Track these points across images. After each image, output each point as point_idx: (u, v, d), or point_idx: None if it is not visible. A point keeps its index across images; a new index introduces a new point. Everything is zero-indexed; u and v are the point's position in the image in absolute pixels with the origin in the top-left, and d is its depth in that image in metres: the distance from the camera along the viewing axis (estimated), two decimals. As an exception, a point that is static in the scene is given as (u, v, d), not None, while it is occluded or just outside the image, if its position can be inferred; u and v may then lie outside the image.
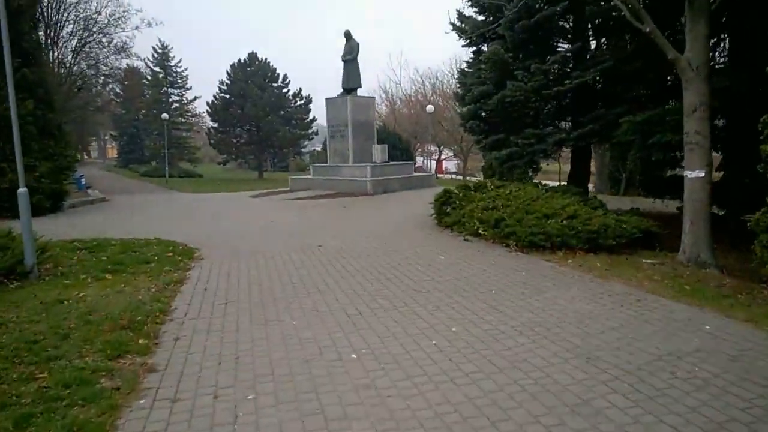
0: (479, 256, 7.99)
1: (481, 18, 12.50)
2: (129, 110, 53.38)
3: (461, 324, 5.09)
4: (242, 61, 43.54)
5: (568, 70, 10.57)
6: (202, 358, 4.33)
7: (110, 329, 4.86)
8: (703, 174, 7.29)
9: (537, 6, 9.75)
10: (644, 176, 12.08)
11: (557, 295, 6.05)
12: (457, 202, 10.21)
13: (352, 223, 11.69)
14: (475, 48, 12.60)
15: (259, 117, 41.75)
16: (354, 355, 4.35)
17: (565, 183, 29.20)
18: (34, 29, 15.74)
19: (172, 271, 7.24)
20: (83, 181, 25.23)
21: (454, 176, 51.81)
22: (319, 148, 78.52)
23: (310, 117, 44.73)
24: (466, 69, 12.82)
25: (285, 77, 44.20)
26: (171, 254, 8.27)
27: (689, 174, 7.44)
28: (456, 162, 56.37)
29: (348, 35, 20.60)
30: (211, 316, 5.41)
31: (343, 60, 20.70)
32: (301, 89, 44.30)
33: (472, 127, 11.88)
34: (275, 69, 44.09)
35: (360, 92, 21.26)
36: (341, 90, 20.94)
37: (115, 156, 71.51)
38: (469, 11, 12.96)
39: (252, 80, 42.27)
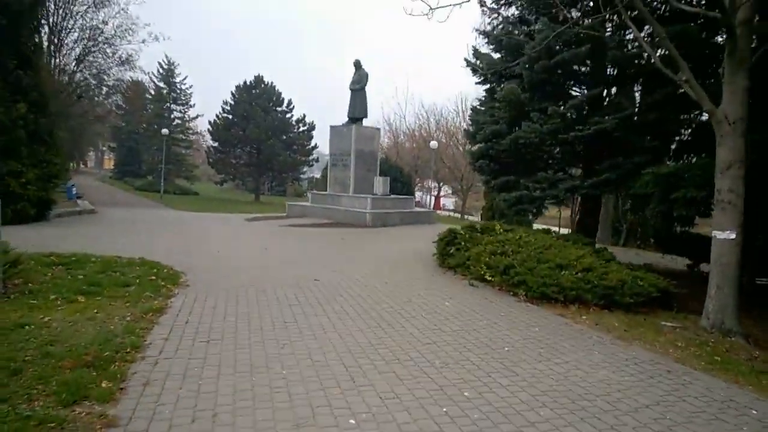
0: (487, 305, 7.39)
1: (497, 56, 12.19)
2: (129, 123, 53.12)
3: (474, 388, 4.46)
4: (248, 83, 43.53)
5: (586, 114, 10.18)
6: (173, 412, 3.67)
7: (71, 365, 4.21)
8: (734, 236, 6.79)
9: (557, 47, 9.40)
10: (660, 231, 11.60)
11: (578, 359, 5.44)
12: (463, 243, 9.66)
13: (351, 256, 11.09)
14: (488, 86, 12.26)
15: (260, 139, 41.48)
16: (353, 421, 3.71)
17: (561, 228, 28.99)
18: (35, 32, 15.34)
19: (153, 298, 6.58)
20: (74, 190, 24.58)
21: (451, 213, 51.49)
22: (317, 175, 78.70)
23: (312, 144, 44.55)
24: (479, 107, 12.46)
25: (289, 102, 44.21)
26: (154, 278, 7.62)
27: (718, 235, 6.93)
28: (453, 199, 56.16)
29: (357, 64, 20.39)
30: (189, 357, 4.75)
31: (350, 89, 20.45)
32: (304, 115, 44.30)
33: (481, 166, 11.41)
34: (280, 93, 44.10)
35: (365, 122, 20.95)
36: (346, 119, 20.61)
37: (112, 167, 71.11)
38: (485, 48, 12.69)
39: (256, 102, 42.16)
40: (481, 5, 12.09)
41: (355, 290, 7.79)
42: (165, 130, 37.84)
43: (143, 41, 28.44)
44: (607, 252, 9.81)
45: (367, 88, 20.48)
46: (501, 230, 9.64)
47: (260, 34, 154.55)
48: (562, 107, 9.68)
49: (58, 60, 26.07)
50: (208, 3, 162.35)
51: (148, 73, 28.82)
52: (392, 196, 20.41)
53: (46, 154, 15.16)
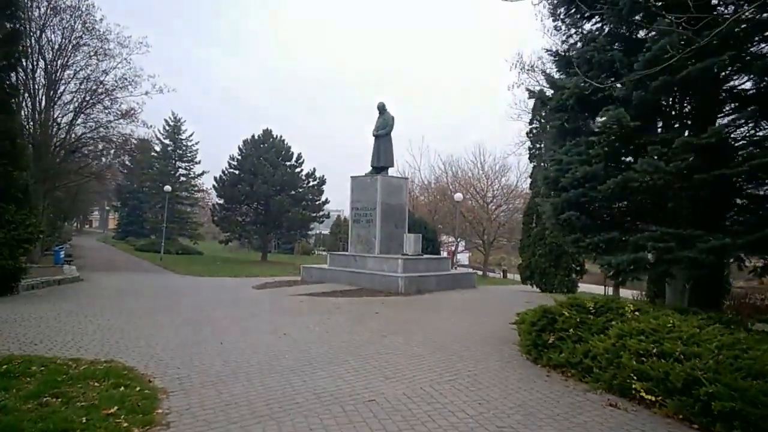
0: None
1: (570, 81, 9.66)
2: (133, 181, 51.30)
3: None
4: (256, 137, 41.69)
5: (736, 144, 7.57)
6: None
7: None
8: None
9: (687, 56, 6.83)
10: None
11: None
12: (571, 330, 6.76)
13: (398, 343, 8.16)
14: (564, 116, 9.65)
15: (268, 195, 39.16)
16: None
17: (607, 288, 25.74)
18: (10, 70, 13.10)
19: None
20: (62, 254, 21.93)
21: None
22: (326, 232, 76.34)
23: (323, 199, 42.15)
24: (554, 147, 9.83)
25: (299, 156, 42.17)
26: (117, 407, 4.73)
27: None
28: (468, 254, 53.17)
29: (382, 108, 18.12)
30: None
31: (374, 135, 18.08)
32: (314, 169, 42.13)
33: (568, 221, 8.66)
34: (290, 147, 42.15)
35: (391, 171, 18.47)
36: (369, 168, 18.14)
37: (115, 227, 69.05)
38: (551, 69, 10.26)
39: (264, 157, 40.13)
40: (555, 19, 9.73)
41: (437, 420, 4.84)
42: (167, 187, 35.62)
43: (146, 93, 26.40)
44: None
45: (393, 134, 18.14)
46: (631, 311, 6.75)
47: (272, 93, 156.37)
48: (702, 138, 6.98)
49: (53, 112, 24.02)
50: (216, 61, 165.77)
51: (152, 126, 26.83)
52: (425, 255, 17.60)
53: (17, 214, 12.59)
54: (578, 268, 23.46)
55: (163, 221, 36.72)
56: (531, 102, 25.24)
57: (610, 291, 29.22)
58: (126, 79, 24.78)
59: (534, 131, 25.11)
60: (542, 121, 25.06)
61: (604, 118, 8.02)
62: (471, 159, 40.78)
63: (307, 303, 12.68)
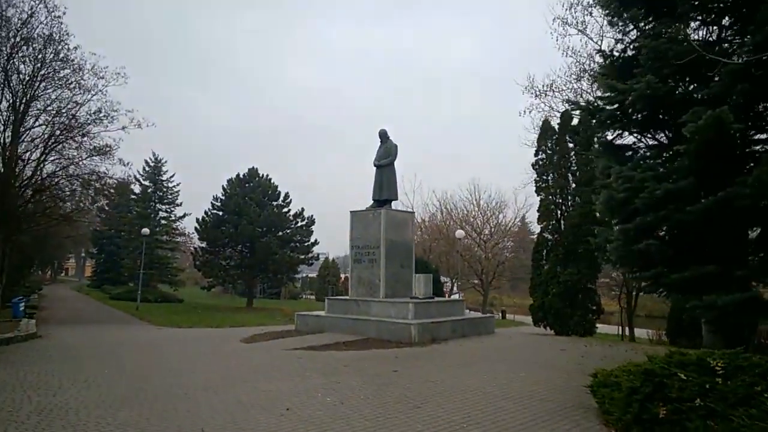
0: None
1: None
2: (111, 225, 48.73)
3: None
4: (241, 176, 39.80)
5: None
6: None
7: None
8: None
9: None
10: None
11: None
12: (698, 401, 4.81)
13: (443, 419, 6.09)
14: (619, 126, 7.97)
15: (254, 236, 36.98)
16: None
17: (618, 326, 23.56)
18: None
19: None
20: (22, 306, 19.42)
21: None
22: (313, 275, 73.62)
23: (312, 240, 40.04)
24: (610, 164, 8.05)
25: (286, 195, 40.26)
26: None
27: None
28: (459, 294, 50.91)
29: (384, 135, 16.44)
30: None
31: (375, 165, 16.31)
32: (303, 209, 40.20)
33: (645, 251, 6.82)
34: (276, 186, 40.28)
35: (394, 205, 16.63)
36: (371, 202, 16.28)
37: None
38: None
39: (250, 197, 38.15)
40: (610, 14, 8.18)
41: None
42: (145, 230, 33.26)
43: (123, 128, 24.43)
44: None
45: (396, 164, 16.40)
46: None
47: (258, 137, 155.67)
48: None
49: (19, 148, 21.93)
50: (200, 103, 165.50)
51: (128, 164, 24.46)
52: (436, 299, 15.57)
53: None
54: (594, 308, 21.58)
55: (141, 267, 34.15)
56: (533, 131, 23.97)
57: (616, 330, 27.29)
58: (101, 111, 22.88)
59: (540, 162, 23.62)
60: (549, 152, 23.66)
61: (694, 123, 6.28)
62: (466, 196, 39.06)
63: (308, 360, 10.49)
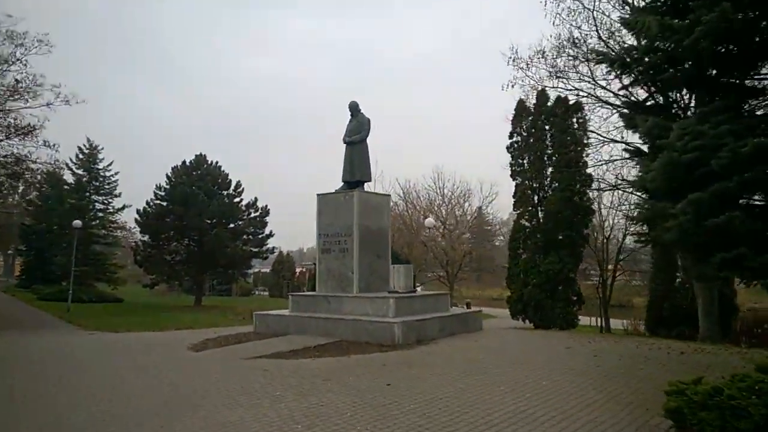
0: None
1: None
2: (41, 219, 44.31)
3: None
4: (187, 163, 36.63)
5: None
6: None
7: None
8: None
9: None
10: None
11: None
12: None
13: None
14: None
15: (203, 229, 34.05)
16: None
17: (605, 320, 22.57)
18: None
19: None
20: None
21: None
22: (266, 270, 70.48)
23: (266, 232, 37.39)
24: (663, 123, 6.33)
25: (238, 184, 37.39)
26: None
27: None
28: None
29: (354, 107, 14.40)
30: None
31: (345, 142, 14.26)
32: (256, 199, 37.40)
33: (724, 226, 5.11)
34: (227, 174, 37.33)
35: (368, 188, 14.68)
36: (341, 183, 14.26)
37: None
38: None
39: (197, 185, 35.08)
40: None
41: None
42: (77, 222, 29.77)
43: (48, 104, 21.32)
44: None
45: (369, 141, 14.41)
46: None
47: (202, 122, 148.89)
48: None
49: None
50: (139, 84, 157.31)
51: (55, 146, 20.93)
52: (419, 292, 13.74)
53: None
54: (575, 297, 20.38)
55: (72, 264, 30.65)
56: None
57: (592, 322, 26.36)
58: (19, 83, 19.76)
59: (516, 144, 22.17)
60: (524, 134, 22.27)
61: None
62: (429, 184, 37.38)
63: (275, 372, 8.41)
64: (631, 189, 19.72)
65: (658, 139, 6.30)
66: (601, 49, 11.03)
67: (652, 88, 7.23)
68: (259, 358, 9.82)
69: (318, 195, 14.10)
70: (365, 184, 14.23)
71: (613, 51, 9.34)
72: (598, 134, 19.61)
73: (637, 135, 18.30)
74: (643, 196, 9.45)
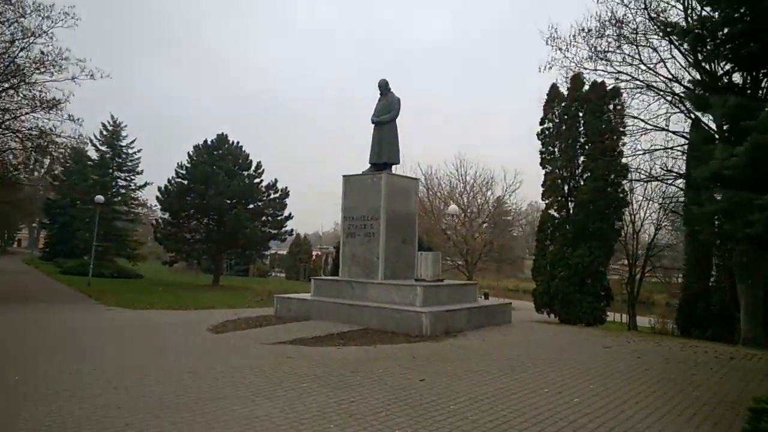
0: None
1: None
2: (66, 193, 44.60)
3: None
4: (209, 142, 36.37)
5: None
6: None
7: None
8: None
9: None
10: None
11: None
12: None
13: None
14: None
15: (222, 208, 33.84)
16: None
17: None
18: None
19: None
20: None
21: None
22: (282, 252, 70.49)
23: (285, 213, 37.08)
24: None
25: (258, 165, 37.04)
26: None
27: None
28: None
29: (384, 87, 13.77)
30: None
31: (374, 122, 13.68)
32: (276, 180, 37.02)
33: None
34: (248, 155, 37.01)
35: (395, 170, 14.11)
36: (368, 165, 13.72)
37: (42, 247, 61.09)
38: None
39: (218, 165, 34.81)
40: None
41: None
42: (99, 197, 29.75)
43: (73, 78, 21.00)
44: None
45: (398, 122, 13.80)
46: None
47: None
48: None
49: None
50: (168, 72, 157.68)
51: (79, 120, 20.63)
52: (446, 282, 13.18)
53: None
54: (603, 293, 19.62)
55: (94, 239, 30.70)
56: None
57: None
58: (46, 57, 19.48)
59: (547, 131, 21.34)
60: (556, 120, 21.39)
61: None
62: (451, 171, 36.57)
63: (300, 361, 7.96)
64: (671, 180, 18.71)
65: (741, 120, 5.58)
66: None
67: (731, 66, 6.51)
68: (281, 344, 9.41)
69: (344, 176, 13.57)
70: (392, 167, 13.66)
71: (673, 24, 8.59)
72: (641, 120, 18.30)
73: (674, 126, 17.28)
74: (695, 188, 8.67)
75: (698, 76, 14.13)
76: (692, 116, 16.21)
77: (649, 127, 16.95)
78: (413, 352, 8.83)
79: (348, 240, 13.27)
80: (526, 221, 51.02)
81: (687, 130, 17.36)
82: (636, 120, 17.08)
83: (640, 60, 16.79)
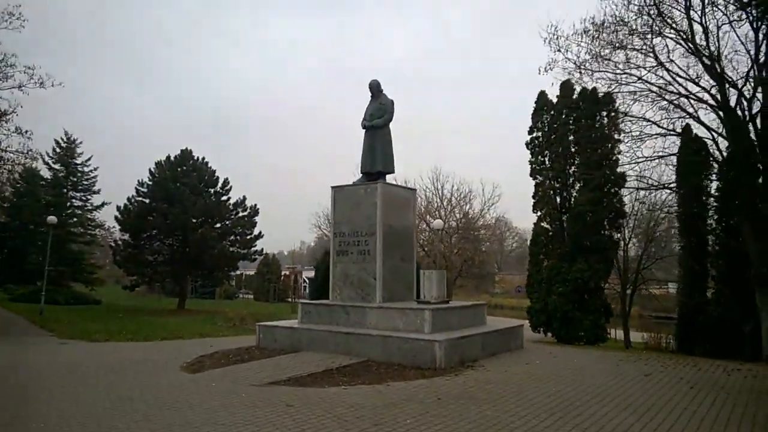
0: None
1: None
2: (14, 217, 41.45)
3: None
4: (172, 158, 34.34)
5: None
6: None
7: None
8: None
9: None
10: None
11: None
12: None
13: None
14: None
15: (188, 228, 31.79)
16: None
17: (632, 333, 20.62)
18: None
19: None
20: None
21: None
22: (250, 272, 67.89)
23: (255, 232, 35.25)
24: None
25: (226, 182, 35.22)
26: None
27: None
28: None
29: (375, 88, 12.50)
30: None
31: (365, 126, 12.36)
32: (245, 197, 35.28)
33: None
34: (214, 171, 35.14)
35: (390, 179, 12.79)
36: (360, 175, 12.38)
37: (-10, 273, 56.86)
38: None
39: (183, 182, 32.84)
40: None
41: None
42: (52, 218, 27.32)
43: (20, 86, 19.09)
44: None
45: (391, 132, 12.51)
46: None
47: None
48: None
49: None
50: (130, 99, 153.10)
51: (27, 133, 18.42)
52: (452, 303, 11.82)
53: None
54: (602, 309, 18.61)
55: (49, 264, 28.13)
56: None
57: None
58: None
59: (536, 141, 20.49)
60: (545, 129, 20.55)
61: None
62: (427, 185, 35.49)
63: (304, 410, 6.42)
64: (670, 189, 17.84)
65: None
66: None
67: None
68: (275, 385, 7.85)
69: (333, 188, 12.17)
70: (386, 176, 12.32)
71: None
72: (648, 120, 16.72)
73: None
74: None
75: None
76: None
77: (652, 132, 15.81)
78: (435, 391, 7.42)
79: (339, 259, 11.80)
80: (494, 236, 50.19)
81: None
82: (636, 125, 15.92)
83: (655, 55, 15.27)
